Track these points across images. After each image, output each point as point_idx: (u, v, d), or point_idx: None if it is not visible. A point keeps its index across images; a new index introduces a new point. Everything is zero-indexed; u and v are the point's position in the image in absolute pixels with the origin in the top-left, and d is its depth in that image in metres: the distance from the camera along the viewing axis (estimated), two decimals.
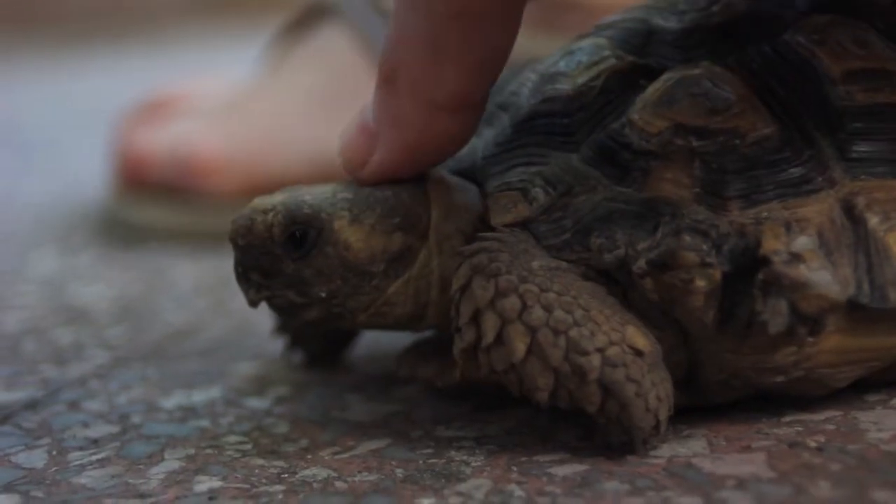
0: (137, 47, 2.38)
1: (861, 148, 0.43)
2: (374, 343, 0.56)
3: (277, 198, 0.44)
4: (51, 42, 2.41)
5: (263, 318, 0.59)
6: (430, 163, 0.44)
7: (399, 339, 0.51)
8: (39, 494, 0.41)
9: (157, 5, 2.82)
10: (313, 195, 0.44)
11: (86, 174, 1.07)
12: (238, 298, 0.64)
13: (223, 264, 0.72)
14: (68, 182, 1.09)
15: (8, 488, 0.42)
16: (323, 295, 0.43)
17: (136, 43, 2.44)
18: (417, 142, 0.43)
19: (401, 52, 0.42)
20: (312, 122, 0.81)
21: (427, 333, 0.49)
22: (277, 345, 0.56)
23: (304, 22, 0.88)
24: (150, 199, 0.84)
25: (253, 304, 0.44)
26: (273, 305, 0.44)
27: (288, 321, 0.53)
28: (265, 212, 0.43)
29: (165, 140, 0.84)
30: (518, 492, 0.39)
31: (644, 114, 0.42)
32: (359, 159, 0.44)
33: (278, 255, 0.43)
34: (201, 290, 0.70)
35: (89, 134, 1.25)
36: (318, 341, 0.54)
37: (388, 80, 0.42)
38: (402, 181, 0.45)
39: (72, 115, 1.57)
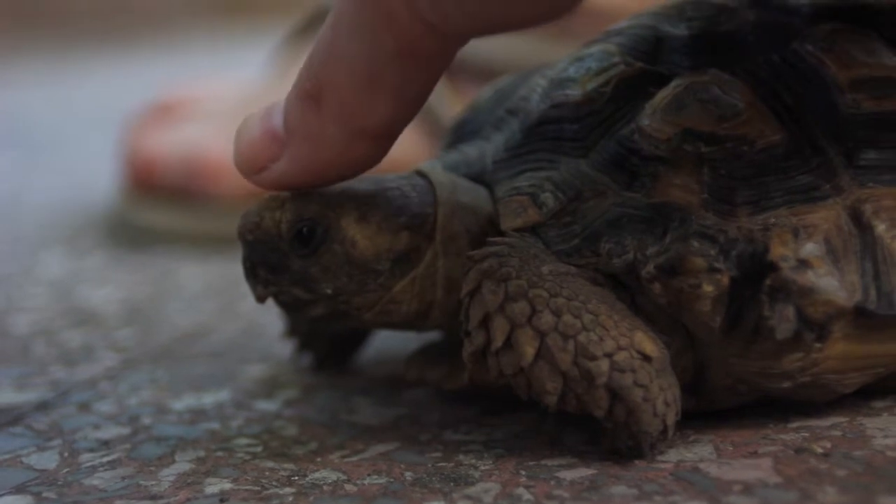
0: (145, 48, 2.39)
1: (869, 156, 0.43)
2: (382, 346, 0.56)
3: (286, 195, 0.44)
4: (58, 43, 2.42)
5: (272, 320, 0.59)
6: (335, 181, 0.44)
7: (407, 343, 0.52)
8: (51, 495, 0.42)
9: (164, 6, 2.83)
10: (321, 193, 0.44)
11: (94, 176, 1.07)
12: (246, 301, 0.65)
13: (232, 267, 0.73)
14: (76, 184, 1.09)
15: (20, 489, 0.42)
16: (329, 292, 0.43)
17: (144, 44, 2.45)
18: (331, 162, 0.42)
19: (333, 73, 0.40)
20: None
21: (435, 336, 0.49)
22: (286, 347, 0.56)
23: (312, 25, 0.89)
24: (159, 201, 0.84)
25: (260, 299, 0.45)
26: (280, 302, 0.45)
27: (295, 319, 0.53)
28: (273, 208, 0.44)
29: (175, 143, 0.84)
30: (526, 495, 0.39)
31: (653, 120, 0.43)
32: (259, 163, 0.43)
33: (286, 251, 0.43)
34: (210, 292, 0.71)
35: (97, 135, 1.25)
36: (326, 344, 0.54)
37: (311, 97, 0.41)
38: (410, 180, 0.45)
39: (79, 116, 1.57)
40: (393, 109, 0.41)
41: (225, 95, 0.92)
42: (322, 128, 0.41)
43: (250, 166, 0.43)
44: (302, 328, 0.54)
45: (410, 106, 0.41)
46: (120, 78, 1.93)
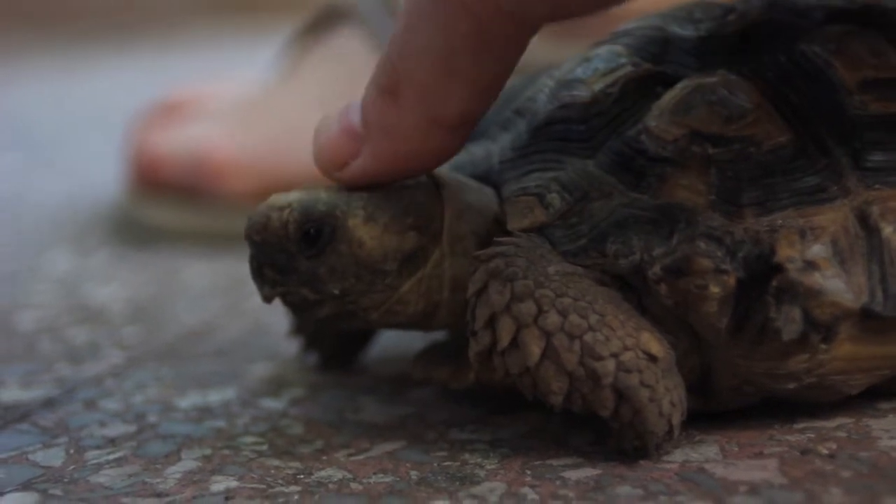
0: (149, 47, 2.39)
1: (876, 157, 0.43)
2: (388, 345, 0.56)
3: (293, 195, 0.44)
4: (62, 42, 2.42)
5: (277, 318, 0.59)
6: (414, 174, 0.45)
7: (413, 342, 0.52)
8: (58, 492, 0.42)
9: (168, 5, 2.83)
10: (329, 193, 0.44)
11: (98, 174, 1.07)
12: (252, 299, 0.65)
13: (237, 265, 0.73)
14: (81, 183, 1.09)
15: (26, 486, 0.42)
16: (336, 292, 0.44)
17: (148, 43, 2.45)
18: (410, 154, 0.43)
19: (410, 64, 0.41)
20: None
21: (441, 336, 0.49)
22: (292, 346, 0.56)
23: (319, 25, 0.89)
24: (165, 200, 0.84)
25: (267, 300, 0.45)
26: (287, 302, 0.45)
27: (301, 318, 0.53)
28: (281, 209, 0.44)
29: (180, 141, 0.84)
30: (532, 495, 0.39)
31: (660, 121, 0.43)
32: (339, 160, 0.44)
33: (293, 251, 0.43)
34: (215, 290, 0.71)
35: (100, 134, 1.26)
36: (332, 343, 0.54)
37: (388, 91, 0.42)
38: (416, 180, 0.45)
39: (83, 115, 1.57)
40: (469, 99, 0.41)
41: (231, 95, 0.92)
42: (400, 121, 0.42)
43: (332, 164, 0.44)
44: (308, 327, 0.54)
45: (486, 95, 0.42)
46: (124, 77, 1.93)
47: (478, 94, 0.42)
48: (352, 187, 0.44)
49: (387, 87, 0.42)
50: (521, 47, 0.41)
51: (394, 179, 0.44)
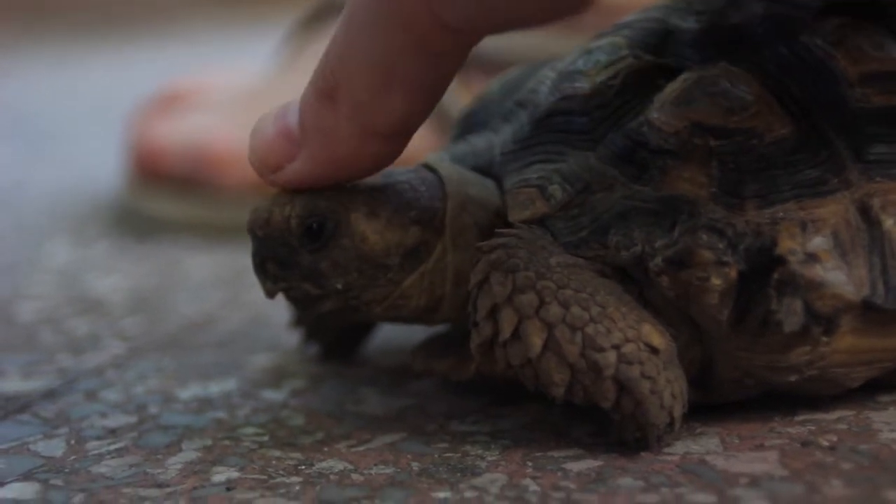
0: (148, 39, 2.39)
1: (877, 150, 0.43)
2: (388, 337, 0.56)
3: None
4: (61, 33, 2.42)
5: (278, 310, 0.59)
6: (350, 179, 0.44)
7: (414, 333, 0.52)
8: (59, 483, 0.42)
9: None
10: (331, 187, 0.44)
11: (98, 166, 1.07)
12: (253, 291, 0.65)
13: (238, 257, 0.73)
14: (81, 174, 1.09)
15: (27, 476, 0.42)
16: (339, 287, 0.44)
17: (147, 35, 2.45)
18: (346, 160, 0.42)
19: (347, 71, 0.41)
20: None
21: (442, 328, 0.49)
22: (293, 337, 0.56)
23: (319, 17, 0.89)
24: (165, 191, 0.84)
25: (270, 294, 0.45)
26: (289, 297, 0.45)
27: (304, 313, 0.53)
28: (283, 203, 0.44)
29: (181, 132, 0.84)
30: (533, 486, 0.39)
31: (662, 113, 0.43)
32: (273, 162, 0.43)
33: (295, 246, 0.43)
34: (216, 282, 0.71)
35: (100, 126, 1.26)
36: (333, 334, 0.54)
37: (326, 95, 0.41)
38: (418, 174, 0.45)
39: (82, 106, 1.57)
40: (407, 107, 0.41)
41: (231, 86, 0.92)
42: (337, 126, 0.41)
43: (266, 165, 0.43)
44: (308, 318, 0.54)
45: (425, 104, 0.42)
46: (123, 68, 1.93)
47: (416, 103, 0.41)
48: (356, 181, 0.44)
49: (325, 91, 0.41)
50: (463, 58, 0.41)
51: (329, 184, 0.44)
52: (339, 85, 0.41)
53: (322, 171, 0.43)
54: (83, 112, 1.51)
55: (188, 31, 2.49)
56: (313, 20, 0.89)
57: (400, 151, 0.43)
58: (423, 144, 0.72)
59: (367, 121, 0.41)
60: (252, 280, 0.45)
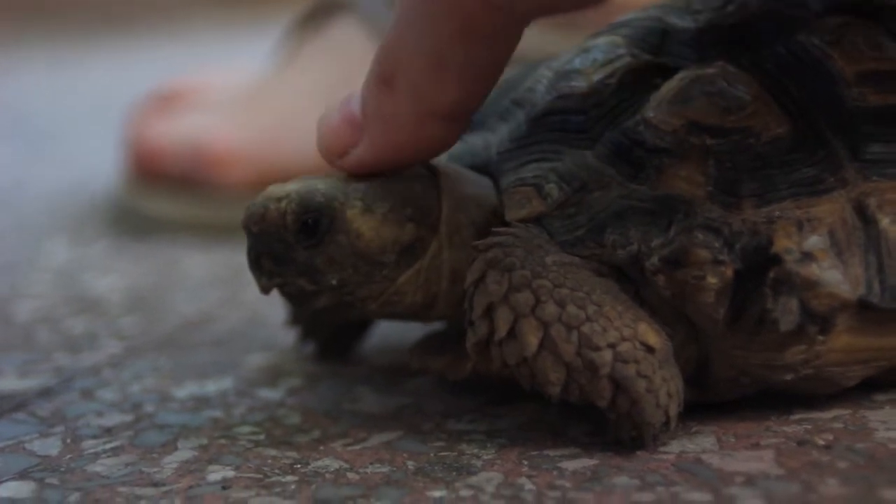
0: (147, 38, 2.39)
1: (874, 149, 0.43)
2: (385, 335, 0.56)
3: (291, 186, 0.44)
4: (60, 33, 2.42)
5: (275, 309, 0.59)
6: (411, 163, 0.45)
7: (410, 332, 0.52)
8: (54, 482, 0.42)
9: None
10: (326, 184, 0.44)
11: (96, 165, 1.07)
12: (249, 290, 0.64)
13: (235, 256, 0.73)
14: (79, 173, 1.09)
15: (23, 475, 0.42)
16: (334, 283, 0.43)
17: (146, 34, 2.45)
18: (406, 144, 0.43)
19: (403, 57, 0.42)
20: None
21: (438, 326, 0.49)
22: (289, 336, 0.56)
23: (317, 16, 0.89)
24: (163, 190, 0.84)
25: (265, 290, 0.45)
26: (285, 293, 0.45)
27: (299, 309, 0.53)
28: (279, 199, 0.44)
29: (179, 132, 0.84)
30: (528, 485, 0.39)
31: (659, 112, 0.43)
32: (339, 148, 0.44)
33: (291, 242, 0.43)
34: (213, 281, 0.71)
35: (98, 125, 1.25)
36: (329, 333, 0.54)
37: (385, 81, 0.42)
38: (415, 172, 0.45)
39: (81, 106, 1.57)
40: (462, 90, 0.42)
41: (229, 85, 0.92)
42: (396, 112, 0.42)
43: (332, 151, 0.44)
44: (304, 317, 0.54)
45: (479, 87, 0.43)
46: (122, 68, 1.93)
47: (471, 86, 0.42)
48: (352, 176, 0.44)
49: (383, 77, 0.42)
50: (514, 40, 0.42)
51: (392, 168, 0.44)
52: (395, 71, 0.42)
53: (383, 156, 0.44)
54: (82, 112, 1.51)
55: (187, 30, 2.49)
56: (310, 19, 0.89)
57: (459, 134, 0.44)
58: None
59: (423, 105, 0.42)
60: (249, 279, 0.45)
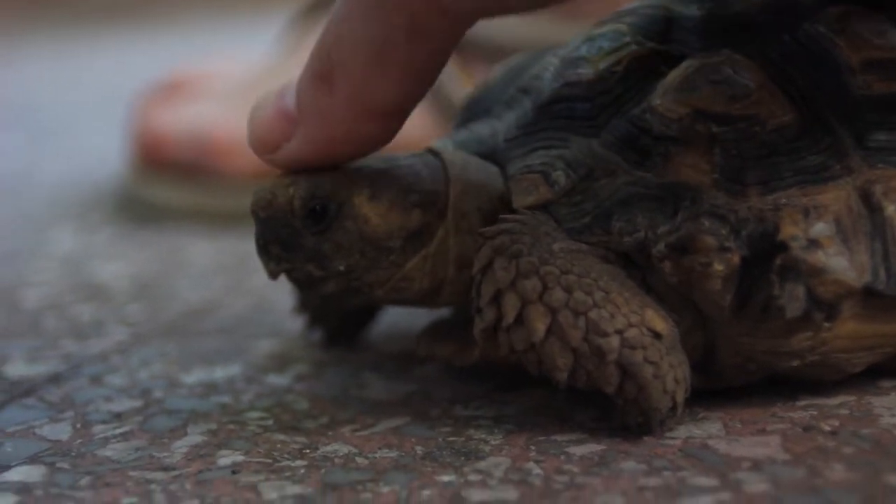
0: (151, 27, 2.39)
1: (879, 137, 0.43)
2: (392, 322, 0.57)
3: (299, 172, 0.44)
4: (63, 24, 2.42)
5: (281, 296, 0.60)
6: (346, 159, 0.45)
7: (417, 319, 0.52)
8: (65, 466, 0.42)
9: None
10: (334, 170, 0.44)
11: (102, 154, 1.07)
12: (255, 277, 0.65)
13: (240, 244, 0.73)
14: (84, 162, 1.10)
15: (34, 459, 0.43)
16: (341, 269, 0.44)
17: (150, 23, 2.45)
18: (341, 140, 0.43)
19: (342, 53, 0.41)
20: None
21: (446, 313, 0.50)
22: (296, 323, 0.57)
23: (321, 5, 0.89)
24: (168, 178, 0.84)
25: (273, 276, 0.45)
26: (292, 278, 0.45)
27: (306, 295, 0.53)
28: (287, 185, 0.44)
29: (184, 120, 0.84)
30: (536, 470, 0.40)
31: (665, 100, 0.43)
32: (272, 142, 0.44)
33: (298, 228, 0.44)
34: (219, 268, 0.71)
35: (103, 114, 1.26)
36: (337, 320, 0.54)
37: (322, 77, 0.42)
38: (422, 158, 0.45)
39: (85, 95, 1.57)
40: (402, 88, 0.42)
41: (234, 74, 0.92)
42: (333, 107, 0.42)
43: (264, 146, 0.44)
44: (312, 304, 0.54)
45: (420, 85, 0.42)
46: (126, 57, 1.93)
47: (411, 83, 0.42)
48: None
49: (321, 73, 0.42)
50: (457, 39, 0.41)
51: (325, 164, 0.44)
52: (334, 66, 0.41)
53: (318, 152, 0.43)
54: (87, 102, 1.51)
55: (190, 20, 2.48)
56: (315, 8, 0.89)
57: (395, 131, 0.43)
58: (427, 132, 0.72)
59: (361, 102, 0.42)
60: (254, 266, 0.46)
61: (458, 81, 0.76)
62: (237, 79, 0.90)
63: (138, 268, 0.72)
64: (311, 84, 0.42)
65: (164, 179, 0.85)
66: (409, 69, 0.41)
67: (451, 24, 0.41)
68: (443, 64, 0.42)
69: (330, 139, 0.43)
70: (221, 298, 0.64)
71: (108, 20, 2.46)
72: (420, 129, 0.70)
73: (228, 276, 0.69)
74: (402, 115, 0.43)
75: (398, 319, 0.56)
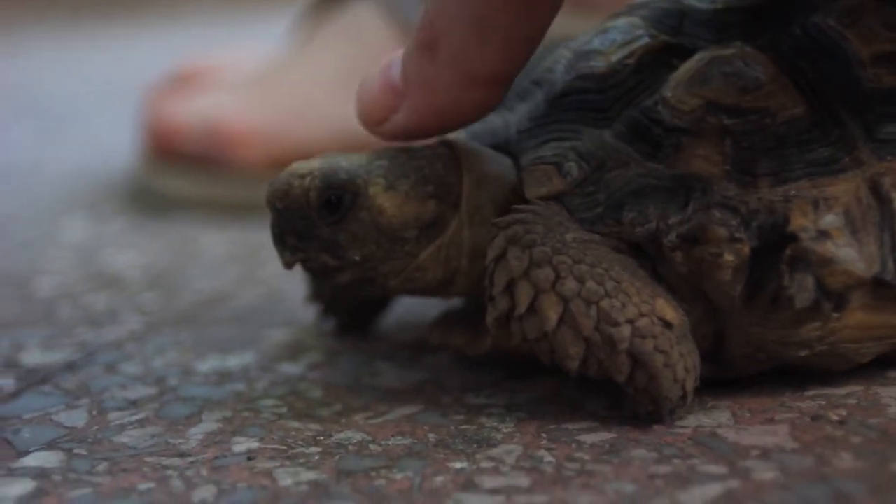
0: (157, 19, 2.39)
1: (888, 129, 0.43)
2: (403, 312, 0.57)
3: (314, 163, 0.45)
4: (69, 13, 2.42)
5: (294, 285, 0.60)
6: (452, 129, 0.46)
7: (429, 309, 0.53)
8: (82, 452, 0.43)
9: None
10: (349, 161, 0.45)
11: (113, 144, 1.08)
12: (268, 267, 0.66)
13: (252, 234, 0.74)
14: (95, 152, 1.10)
15: (51, 445, 0.43)
16: (357, 259, 0.44)
17: (157, 14, 2.45)
18: (447, 109, 0.44)
19: (445, 21, 0.42)
20: (340, 97, 0.81)
21: (458, 303, 0.50)
22: (309, 312, 0.57)
23: None
24: (180, 169, 0.85)
25: (288, 265, 0.45)
26: (308, 268, 0.45)
27: (322, 285, 0.54)
28: (302, 176, 0.44)
29: (195, 111, 0.84)
30: (548, 457, 0.40)
31: (677, 91, 0.43)
32: (379, 115, 0.45)
33: (314, 218, 0.44)
34: (230, 259, 0.71)
35: (111, 105, 1.26)
36: (349, 309, 0.55)
37: (427, 47, 0.43)
38: (436, 150, 0.46)
39: (92, 86, 1.58)
40: (503, 55, 0.43)
41: (245, 66, 0.93)
42: (438, 76, 0.43)
43: (372, 118, 0.45)
44: (325, 293, 0.55)
45: (520, 51, 0.43)
46: (135, 48, 1.94)
47: (513, 50, 0.43)
48: (376, 152, 0.45)
49: (425, 42, 0.43)
50: (555, 7, 0.42)
51: (433, 134, 0.45)
52: (438, 36, 0.42)
53: (424, 121, 0.44)
54: (96, 93, 1.52)
55: (197, 13, 2.49)
56: (326, 2, 0.90)
57: (498, 99, 0.44)
58: None
59: (466, 70, 0.43)
60: (267, 257, 0.46)
61: None
62: (249, 71, 0.90)
63: (151, 257, 0.73)
64: (415, 54, 0.43)
65: (175, 170, 0.85)
66: (509, 36, 0.42)
67: None
68: (545, 29, 0.43)
69: (435, 108, 0.44)
70: (234, 288, 0.65)
71: (114, 13, 2.46)
72: None
73: (241, 266, 0.69)
74: (506, 81, 0.44)
75: (410, 309, 0.57)
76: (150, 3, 2.57)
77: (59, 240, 0.79)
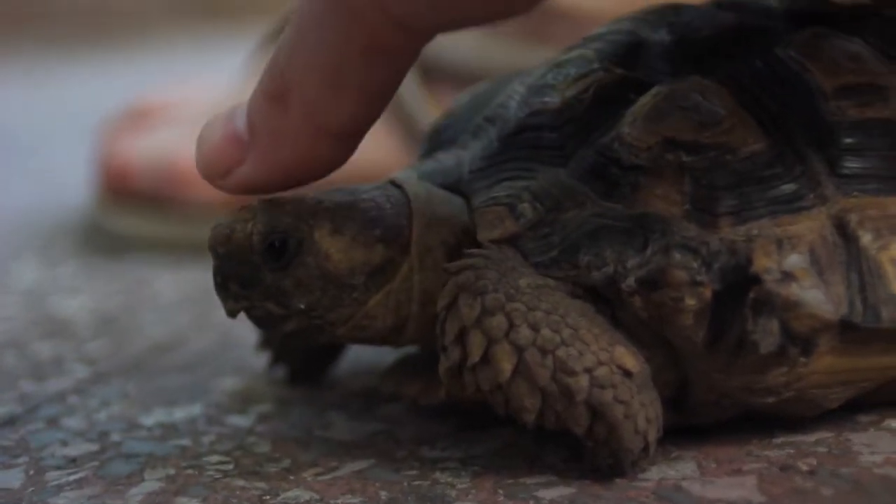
0: (123, 50, 2.38)
1: (853, 164, 0.42)
2: (357, 359, 0.55)
3: (258, 206, 0.43)
4: (34, 44, 2.40)
5: (247, 330, 0.58)
6: (300, 183, 0.43)
7: (384, 355, 0.51)
8: None
9: (143, 8, 2.81)
10: (294, 204, 0.43)
11: (69, 181, 1.06)
12: (221, 311, 0.63)
13: (206, 275, 0.71)
14: (51, 189, 1.08)
15: None
16: (302, 306, 0.42)
17: (122, 46, 2.44)
18: (296, 162, 0.41)
19: (298, 71, 0.40)
20: None
21: (412, 350, 0.48)
22: (261, 359, 0.55)
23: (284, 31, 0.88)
24: (133, 208, 0.83)
25: (231, 314, 0.43)
26: (252, 316, 0.44)
27: (269, 334, 0.52)
28: (245, 220, 0.42)
29: (149, 148, 0.83)
30: None
31: (633, 128, 0.42)
32: (222, 167, 0.42)
33: (257, 264, 0.42)
34: (184, 301, 0.70)
35: (73, 139, 1.24)
36: (301, 357, 0.53)
37: (276, 98, 0.41)
38: (385, 190, 0.44)
39: (55, 119, 1.56)
40: (358, 107, 0.40)
41: (200, 100, 0.91)
42: (287, 127, 0.41)
43: (214, 171, 0.43)
44: (276, 340, 0.53)
45: (376, 104, 0.41)
46: (95, 81, 1.92)
47: (367, 102, 0.40)
48: (318, 193, 0.43)
49: (274, 93, 0.41)
50: (413, 55, 0.40)
51: (279, 189, 0.43)
52: (288, 86, 0.40)
53: (272, 175, 0.42)
54: (55, 125, 1.50)
55: (165, 42, 2.48)
56: (279, 34, 0.88)
57: (351, 153, 0.42)
58: (393, 158, 0.71)
59: (317, 123, 0.40)
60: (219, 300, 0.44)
61: (424, 107, 0.74)
62: (203, 105, 0.88)
63: (102, 302, 0.71)
64: (263, 104, 0.41)
65: (129, 209, 0.83)
66: (365, 87, 0.40)
67: (408, 41, 0.39)
68: (399, 82, 0.41)
69: (284, 161, 0.41)
70: (186, 333, 0.63)
71: (81, 42, 2.45)
72: (385, 156, 0.69)
73: (194, 310, 0.67)
74: (358, 135, 0.41)
75: (364, 354, 0.55)
76: (122, 34, 2.56)
77: (7, 284, 0.77)
